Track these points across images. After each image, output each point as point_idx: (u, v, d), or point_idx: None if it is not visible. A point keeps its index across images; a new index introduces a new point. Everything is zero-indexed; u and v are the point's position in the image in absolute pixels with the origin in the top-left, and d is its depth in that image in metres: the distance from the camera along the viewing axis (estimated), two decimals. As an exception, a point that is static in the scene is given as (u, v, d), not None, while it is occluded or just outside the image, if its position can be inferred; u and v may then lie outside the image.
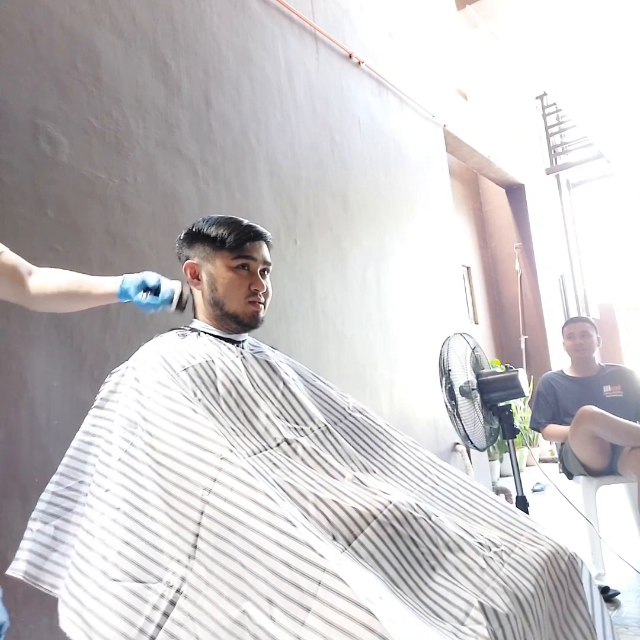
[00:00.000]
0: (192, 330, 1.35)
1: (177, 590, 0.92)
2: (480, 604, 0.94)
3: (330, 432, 1.25)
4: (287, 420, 1.22)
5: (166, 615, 0.91)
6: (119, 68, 2.08)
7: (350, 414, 1.38)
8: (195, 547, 0.93)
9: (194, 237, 1.35)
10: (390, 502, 1.04)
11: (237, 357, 1.29)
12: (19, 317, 1.63)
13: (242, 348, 1.35)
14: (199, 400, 1.14)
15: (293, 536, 0.87)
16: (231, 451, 1.00)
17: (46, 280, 1.35)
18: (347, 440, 1.28)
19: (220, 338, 1.34)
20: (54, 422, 1.68)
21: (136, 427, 1.09)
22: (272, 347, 1.47)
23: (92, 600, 0.97)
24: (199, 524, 0.94)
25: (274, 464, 1.09)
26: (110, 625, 0.93)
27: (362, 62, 3.61)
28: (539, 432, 2.97)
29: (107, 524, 1.03)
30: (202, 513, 0.94)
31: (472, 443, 2.18)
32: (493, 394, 2.21)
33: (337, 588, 0.81)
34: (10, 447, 1.57)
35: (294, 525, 0.88)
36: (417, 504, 1.08)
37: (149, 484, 1.02)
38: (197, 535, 0.94)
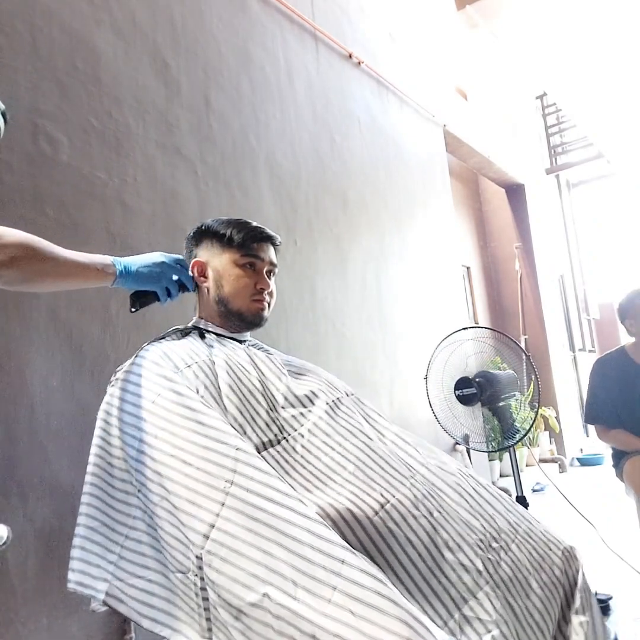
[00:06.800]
0: (195, 328, 1.35)
1: (201, 578, 0.95)
2: (463, 616, 0.95)
3: (341, 411, 1.24)
4: (294, 407, 1.22)
5: (205, 599, 0.95)
6: (119, 68, 2.08)
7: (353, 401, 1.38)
8: (207, 537, 0.95)
9: (203, 235, 1.38)
10: (388, 502, 1.03)
11: (242, 351, 1.29)
12: (19, 316, 1.63)
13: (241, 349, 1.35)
14: (202, 397, 1.14)
15: (314, 519, 0.91)
16: (243, 441, 1.02)
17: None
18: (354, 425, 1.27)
19: (224, 337, 1.34)
20: (54, 422, 1.68)
21: (145, 423, 1.09)
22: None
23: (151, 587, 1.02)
24: (218, 515, 0.95)
25: (276, 461, 1.09)
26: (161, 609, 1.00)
27: (362, 62, 3.61)
28: (595, 428, 2.68)
29: (138, 523, 1.07)
30: (222, 504, 0.96)
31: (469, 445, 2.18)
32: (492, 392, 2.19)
33: (360, 565, 0.85)
34: (9, 447, 1.57)
35: (307, 507, 0.93)
36: (416, 497, 1.07)
37: (166, 482, 1.03)
38: (213, 526, 0.95)
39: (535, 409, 2.23)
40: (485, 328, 2.31)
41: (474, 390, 2.15)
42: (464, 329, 2.31)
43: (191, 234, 1.41)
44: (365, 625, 0.79)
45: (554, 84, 5.26)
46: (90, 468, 1.20)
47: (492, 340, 2.29)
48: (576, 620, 1.07)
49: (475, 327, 2.32)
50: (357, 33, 3.66)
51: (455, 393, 2.19)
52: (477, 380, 2.18)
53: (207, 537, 0.95)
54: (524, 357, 2.24)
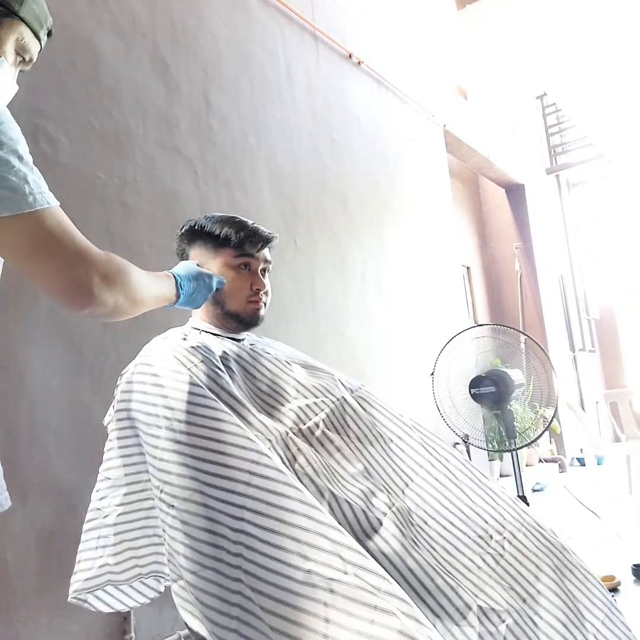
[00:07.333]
0: (193, 329, 1.35)
1: (245, 570, 0.93)
2: (480, 607, 0.98)
3: (344, 410, 1.25)
4: (300, 405, 1.22)
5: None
6: (119, 68, 2.08)
7: (355, 392, 1.37)
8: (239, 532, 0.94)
9: (196, 234, 1.35)
10: (394, 504, 1.06)
11: (242, 350, 1.29)
12: (19, 315, 1.63)
13: (244, 345, 1.35)
14: (216, 393, 1.13)
15: (324, 514, 0.92)
16: (257, 441, 1.01)
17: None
18: (350, 423, 1.27)
19: (222, 337, 1.34)
20: (54, 421, 1.68)
21: (162, 419, 1.08)
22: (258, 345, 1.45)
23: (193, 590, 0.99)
24: (243, 508, 0.95)
25: (292, 453, 1.09)
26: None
27: (362, 62, 3.61)
28: None
29: (170, 521, 1.03)
30: (243, 507, 0.95)
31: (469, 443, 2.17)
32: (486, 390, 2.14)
33: (364, 565, 0.87)
34: (9, 447, 1.57)
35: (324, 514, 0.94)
36: (409, 510, 1.09)
37: (187, 481, 1.02)
38: (242, 519, 0.94)
39: (555, 406, 2.17)
40: (505, 326, 2.25)
41: (493, 388, 2.09)
42: (479, 325, 2.29)
43: (183, 231, 1.38)
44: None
45: (554, 84, 5.26)
46: (107, 472, 1.19)
47: (509, 339, 2.23)
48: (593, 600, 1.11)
49: (492, 324, 2.29)
50: (357, 33, 3.66)
51: (470, 391, 2.13)
52: (493, 378, 2.11)
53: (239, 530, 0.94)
54: (537, 357, 2.20)
